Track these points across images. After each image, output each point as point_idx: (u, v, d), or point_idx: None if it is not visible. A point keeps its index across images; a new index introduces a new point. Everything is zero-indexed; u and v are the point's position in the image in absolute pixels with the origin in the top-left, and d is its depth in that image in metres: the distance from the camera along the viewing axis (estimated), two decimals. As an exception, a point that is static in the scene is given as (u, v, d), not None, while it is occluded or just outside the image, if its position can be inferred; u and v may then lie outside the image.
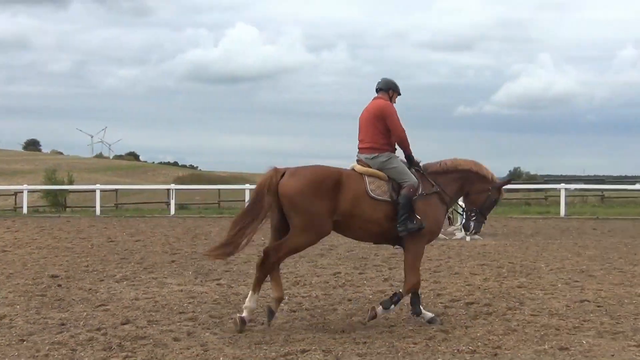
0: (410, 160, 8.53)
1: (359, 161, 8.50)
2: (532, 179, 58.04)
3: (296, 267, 12.76)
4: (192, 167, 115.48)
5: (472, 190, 8.75)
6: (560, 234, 20.11)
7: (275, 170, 8.07)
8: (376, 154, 8.37)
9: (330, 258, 14.22)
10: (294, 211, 7.88)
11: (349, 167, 8.50)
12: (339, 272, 12.13)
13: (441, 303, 9.39)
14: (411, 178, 8.30)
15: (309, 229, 7.93)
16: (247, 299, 8.08)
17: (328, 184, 7.96)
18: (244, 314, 7.95)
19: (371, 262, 13.56)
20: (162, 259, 14.02)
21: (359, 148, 8.58)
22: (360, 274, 12.08)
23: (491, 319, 8.40)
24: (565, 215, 28.27)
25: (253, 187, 35.43)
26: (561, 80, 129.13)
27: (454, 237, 18.46)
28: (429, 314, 8.39)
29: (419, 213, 8.24)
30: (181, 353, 6.93)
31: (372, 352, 6.96)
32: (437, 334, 7.61)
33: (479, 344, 7.24)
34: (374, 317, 8.17)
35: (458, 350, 7.02)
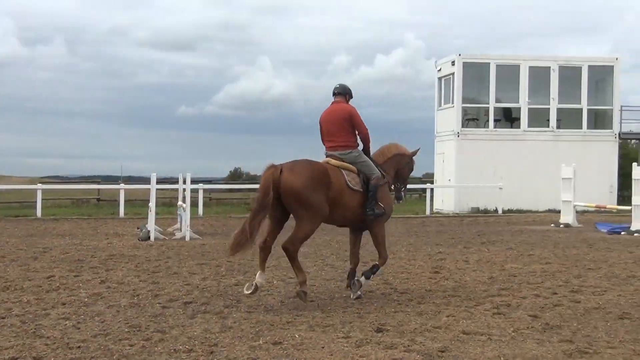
0: (368, 154, 9.94)
1: (331, 157, 9.70)
2: (252, 179, 59.21)
3: (6, 272, 12.13)
4: None
5: (400, 167, 10.43)
6: (277, 233, 20.69)
7: (274, 167, 9.06)
8: (350, 150, 9.71)
9: (44, 261, 13.66)
10: (301, 204, 8.99)
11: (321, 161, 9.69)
12: (53, 276, 11.69)
13: (159, 303, 9.34)
14: (376, 170, 9.77)
15: (316, 217, 9.13)
16: (257, 276, 9.32)
17: (323, 176, 9.16)
18: (248, 291, 9.17)
19: (87, 264, 13.20)
20: None
21: (329, 147, 9.80)
22: (75, 276, 11.71)
23: (208, 317, 8.50)
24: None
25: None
26: (279, 83, 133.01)
27: (174, 237, 18.46)
28: (359, 291, 9.76)
29: (380, 201, 9.72)
30: None
31: (87, 357, 6.78)
32: (154, 335, 7.57)
33: (196, 342, 7.30)
34: (360, 286, 9.73)
35: (175, 350, 7.02)
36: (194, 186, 26.26)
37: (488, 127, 32.10)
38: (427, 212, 30.11)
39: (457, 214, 30.33)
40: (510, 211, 30.51)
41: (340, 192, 9.35)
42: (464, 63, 32.07)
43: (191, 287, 10.73)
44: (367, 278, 9.89)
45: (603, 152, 32.41)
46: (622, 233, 20.29)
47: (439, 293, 10.28)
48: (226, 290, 10.39)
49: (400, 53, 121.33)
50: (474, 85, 33.12)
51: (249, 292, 9.18)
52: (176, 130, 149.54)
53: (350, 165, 9.63)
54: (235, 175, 65.31)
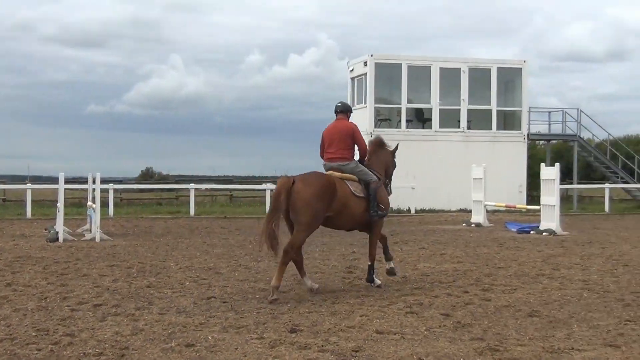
0: (362, 163, 11.10)
1: (330, 169, 10.79)
2: (164, 179, 58.61)
3: None
4: None
5: (387, 166, 11.52)
6: (190, 233, 20.57)
7: (288, 178, 10.09)
8: (348, 162, 10.81)
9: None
10: (305, 211, 9.91)
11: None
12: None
13: (68, 306, 9.14)
14: (373, 176, 10.88)
15: (313, 225, 10.13)
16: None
17: (330, 189, 10.19)
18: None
19: (-8, 267, 12.82)
20: None
21: (329, 158, 10.91)
22: (-21, 279, 11.37)
23: (119, 320, 8.36)
24: (194, 214, 29.01)
25: None
26: (192, 81, 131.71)
27: (84, 239, 18.12)
28: (378, 281, 11.04)
29: (379, 202, 10.82)
30: None
31: (-9, 362, 6.59)
32: (63, 338, 7.40)
33: (106, 345, 7.17)
34: (375, 282, 10.97)
35: (84, 353, 6.88)
36: (104, 186, 25.87)
37: (400, 127, 32.44)
38: (341, 212, 30.19)
39: (370, 213, 30.56)
40: (422, 211, 30.94)
41: (346, 200, 10.43)
42: (376, 63, 32.35)
43: (101, 289, 10.54)
44: (371, 281, 11.01)
45: (512, 152, 33.15)
46: (531, 232, 20.78)
47: (353, 293, 10.34)
48: (137, 292, 10.24)
49: (314, 53, 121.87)
50: (386, 85, 33.46)
51: (314, 287, 10.37)
52: (86, 128, 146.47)
53: (352, 176, 10.76)
54: (147, 175, 64.50)
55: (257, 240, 10.11)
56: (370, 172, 10.95)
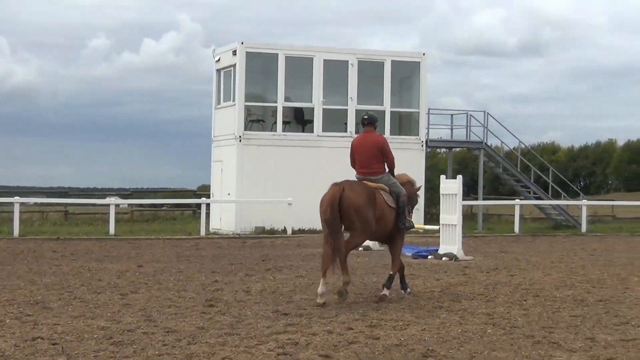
0: (393, 176, 13.59)
1: (363, 179, 13.27)
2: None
3: None
4: None
5: (410, 195, 13.98)
6: (13, 259, 20.07)
7: (337, 185, 12.85)
8: (381, 175, 13.35)
9: None
10: (358, 218, 12.70)
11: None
12: None
13: None
14: (402, 190, 13.49)
15: (367, 230, 12.99)
16: (320, 286, 12.69)
17: (374, 196, 12.88)
18: (321, 300, 12.51)
19: None
20: None
21: (362, 172, 13.40)
22: None
23: None
24: (19, 235, 28.30)
25: None
26: (20, 70, 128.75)
27: None
28: (409, 289, 13.86)
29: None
30: None
31: None
32: None
33: None
34: (384, 298, 13.10)
35: None
36: None
37: (276, 130, 32.47)
38: (202, 232, 30.07)
39: (238, 234, 30.54)
40: (301, 231, 31.04)
41: (383, 209, 13.03)
42: (247, 53, 32.30)
43: None
44: (389, 288, 13.36)
45: (408, 161, 33.11)
46: (429, 257, 21.12)
47: (214, 331, 10.30)
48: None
49: (173, 38, 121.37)
50: (259, 79, 33.49)
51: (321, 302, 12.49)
52: None
53: (384, 186, 13.22)
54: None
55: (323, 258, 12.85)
56: (401, 186, 13.47)
